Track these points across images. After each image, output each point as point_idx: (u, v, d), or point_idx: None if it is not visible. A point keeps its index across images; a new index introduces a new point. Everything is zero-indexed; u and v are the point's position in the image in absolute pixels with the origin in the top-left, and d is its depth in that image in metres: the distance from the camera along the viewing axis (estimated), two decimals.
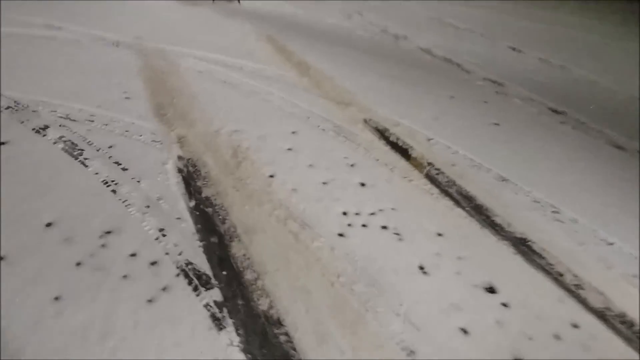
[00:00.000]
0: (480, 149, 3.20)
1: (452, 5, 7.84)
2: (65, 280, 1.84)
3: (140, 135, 2.88)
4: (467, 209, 2.59)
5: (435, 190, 2.72)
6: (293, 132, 3.14)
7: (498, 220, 2.51)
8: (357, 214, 2.43)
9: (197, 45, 4.51)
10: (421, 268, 2.12)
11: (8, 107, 3.05)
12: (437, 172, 2.91)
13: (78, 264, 1.92)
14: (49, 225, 2.11)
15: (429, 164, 2.99)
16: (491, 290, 2.06)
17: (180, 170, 2.60)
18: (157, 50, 4.32)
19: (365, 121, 3.43)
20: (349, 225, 2.34)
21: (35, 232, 2.06)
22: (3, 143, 2.67)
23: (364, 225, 2.35)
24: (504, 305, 1.99)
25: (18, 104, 3.11)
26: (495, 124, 3.60)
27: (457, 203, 2.63)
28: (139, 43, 4.47)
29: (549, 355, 1.80)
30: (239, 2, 6.52)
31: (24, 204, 2.22)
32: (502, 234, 2.41)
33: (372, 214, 2.44)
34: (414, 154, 3.09)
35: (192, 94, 3.54)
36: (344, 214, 2.42)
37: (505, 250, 2.30)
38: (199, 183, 2.52)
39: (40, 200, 2.25)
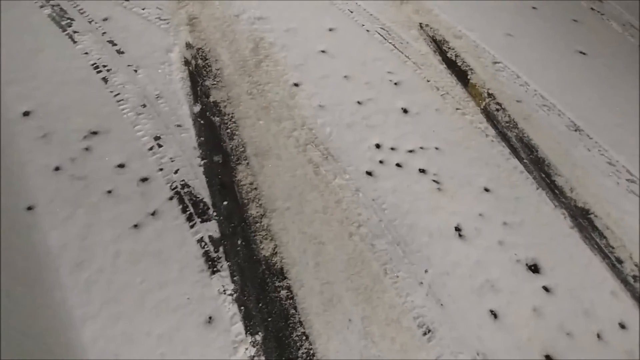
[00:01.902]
0: (556, 84, 2.57)
1: None
2: (40, 187, 1.57)
3: (143, 9, 2.33)
4: (525, 161, 2.13)
5: (492, 132, 2.22)
6: (330, 29, 2.53)
7: (560, 181, 2.06)
8: (392, 148, 2.00)
9: None
10: (458, 230, 1.77)
11: None
12: (497, 107, 2.36)
13: (56, 168, 1.62)
14: (26, 114, 1.76)
15: (490, 95, 2.42)
16: (535, 268, 1.73)
17: (187, 63, 2.13)
18: None
19: (421, 26, 2.74)
20: (381, 162, 1.93)
21: (8, 120, 1.73)
22: None
23: (398, 165, 1.94)
24: (546, 289, 1.68)
25: None
26: (582, 52, 2.86)
27: (514, 152, 2.15)
28: None
29: (586, 356, 1.54)
30: None
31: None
32: (562, 200, 1.99)
33: (411, 151, 2.01)
34: (473, 79, 2.49)
35: None
36: (377, 146, 1.99)
37: (561, 222, 1.91)
38: (207, 82, 2.06)
39: (18, 80, 1.86)
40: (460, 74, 2.51)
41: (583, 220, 1.94)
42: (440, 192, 1.88)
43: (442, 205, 1.83)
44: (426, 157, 2.00)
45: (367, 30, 2.60)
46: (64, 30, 2.13)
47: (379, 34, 2.59)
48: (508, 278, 1.67)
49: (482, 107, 2.34)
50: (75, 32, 2.14)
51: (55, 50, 2.03)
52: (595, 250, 1.85)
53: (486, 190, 1.94)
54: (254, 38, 2.33)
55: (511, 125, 2.28)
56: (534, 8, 3.27)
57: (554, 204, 1.97)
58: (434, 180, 1.92)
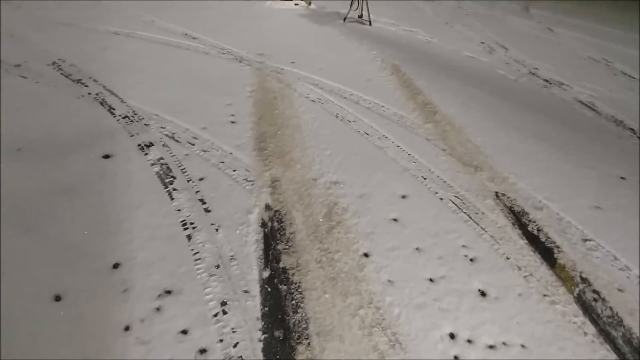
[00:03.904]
0: None
1: (620, 45, 6.40)
2: (108, 347, 1.59)
3: (234, 171, 2.63)
4: None
5: (591, 329, 1.90)
6: (403, 196, 2.59)
7: None
8: (469, 341, 1.78)
9: (316, 69, 4.23)
10: None
11: (125, 117, 3.09)
12: (595, 296, 2.07)
13: (126, 328, 1.67)
14: (116, 266, 1.92)
15: (583, 280, 2.16)
16: None
17: (263, 225, 2.25)
18: (276, 70, 4.16)
19: (497, 196, 2.70)
20: (456, 358, 1.70)
21: (99, 272, 1.88)
22: (107, 156, 2.65)
23: None
24: None
25: (135, 114, 3.14)
26: None
27: (622, 358, 1.79)
28: (260, 61, 4.37)
29: None
30: (369, 24, 6.17)
31: (100, 235, 2.08)
32: None
33: (491, 347, 1.76)
34: (561, 259, 2.28)
35: (298, 126, 3.23)
36: (452, 336, 1.79)
37: None
38: (280, 247, 2.13)
39: (117, 232, 2.09)
40: (545, 251, 2.31)
41: None
42: None
43: None
44: (510, 356, 1.73)
45: (441, 199, 2.61)
46: (166, 187, 2.44)
47: (452, 202, 2.59)
48: None
49: (575, 295, 2.07)
50: (174, 189, 2.43)
51: (154, 205, 2.29)
52: None
53: None
54: (329, 203, 2.45)
55: (615, 322, 1.95)
56: (622, 178, 3.11)
57: None
58: None
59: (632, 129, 3.93)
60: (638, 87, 5.00)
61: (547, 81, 4.78)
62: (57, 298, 1.75)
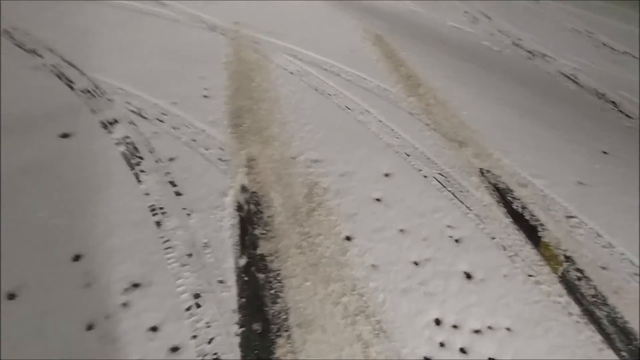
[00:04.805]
0: None
1: (605, 17, 6.34)
2: (69, 348, 1.45)
3: (207, 149, 2.45)
4: (623, 353, 1.73)
5: (575, 309, 1.89)
6: (386, 175, 2.48)
7: None
8: (455, 326, 1.72)
9: (295, 39, 3.99)
10: None
11: (86, 91, 2.83)
12: (579, 275, 2.05)
13: (89, 327, 1.53)
14: (76, 259, 1.75)
15: (567, 259, 2.13)
16: None
17: (239, 208, 2.11)
18: (252, 40, 3.89)
19: (482, 172, 2.63)
20: (442, 345, 1.65)
21: (58, 264, 1.72)
22: (66, 135, 2.42)
23: (462, 351, 1.64)
24: None
25: (97, 88, 2.88)
26: None
27: (607, 339, 1.78)
28: (235, 30, 4.08)
29: None
30: None
31: (59, 223, 1.90)
32: None
33: (477, 331, 1.72)
34: (546, 236, 2.24)
35: (277, 100, 3.04)
36: (437, 322, 1.73)
37: None
38: (257, 231, 2.00)
39: (78, 220, 1.91)
40: (530, 230, 2.27)
41: None
42: None
43: None
44: (496, 340, 1.69)
45: (425, 176, 2.52)
46: (132, 169, 2.25)
47: (437, 180, 2.50)
48: None
49: (559, 274, 2.04)
50: (142, 171, 2.25)
51: (120, 189, 2.11)
52: None
53: None
54: (309, 182, 2.32)
55: (599, 302, 1.93)
56: (604, 153, 3.09)
57: None
58: None
59: (613, 102, 3.90)
60: (619, 59, 4.97)
61: (531, 53, 4.68)
62: (11, 296, 1.59)
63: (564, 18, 6.04)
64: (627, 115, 3.72)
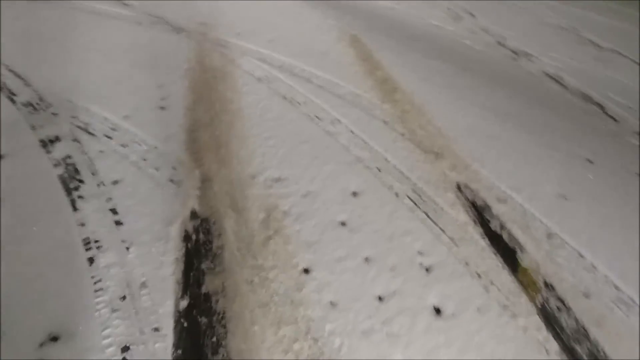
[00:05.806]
0: (632, 268, 2.08)
1: (591, 13, 6.19)
2: None
3: (157, 170, 2.23)
4: None
5: (554, 346, 1.71)
6: (354, 194, 2.28)
7: None
8: None
9: (265, 41, 3.76)
10: None
11: (28, 104, 2.59)
12: (558, 305, 1.88)
13: None
14: None
15: (547, 285, 1.96)
16: None
17: (186, 238, 1.90)
18: (218, 44, 3.66)
19: (459, 187, 2.45)
20: None
21: None
22: (1, 157, 2.18)
23: None
24: None
25: (42, 101, 2.63)
26: None
27: None
28: (202, 32, 3.84)
29: None
30: None
31: None
32: None
33: None
34: (524, 260, 2.07)
35: (239, 111, 2.82)
36: None
37: None
38: (204, 265, 1.80)
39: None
40: (507, 252, 2.10)
41: None
42: None
43: None
44: None
45: (396, 194, 2.32)
46: (69, 194, 2.03)
47: (409, 198, 2.31)
48: None
49: (538, 304, 1.87)
50: (80, 197, 2.02)
51: (51, 219, 1.89)
52: None
53: None
54: (268, 205, 2.11)
55: (580, 335, 1.77)
56: (589, 161, 2.93)
57: None
58: None
59: (598, 104, 3.75)
60: (604, 57, 4.82)
61: (515, 52, 4.51)
62: None
63: (549, 14, 5.88)
64: (612, 118, 3.57)
